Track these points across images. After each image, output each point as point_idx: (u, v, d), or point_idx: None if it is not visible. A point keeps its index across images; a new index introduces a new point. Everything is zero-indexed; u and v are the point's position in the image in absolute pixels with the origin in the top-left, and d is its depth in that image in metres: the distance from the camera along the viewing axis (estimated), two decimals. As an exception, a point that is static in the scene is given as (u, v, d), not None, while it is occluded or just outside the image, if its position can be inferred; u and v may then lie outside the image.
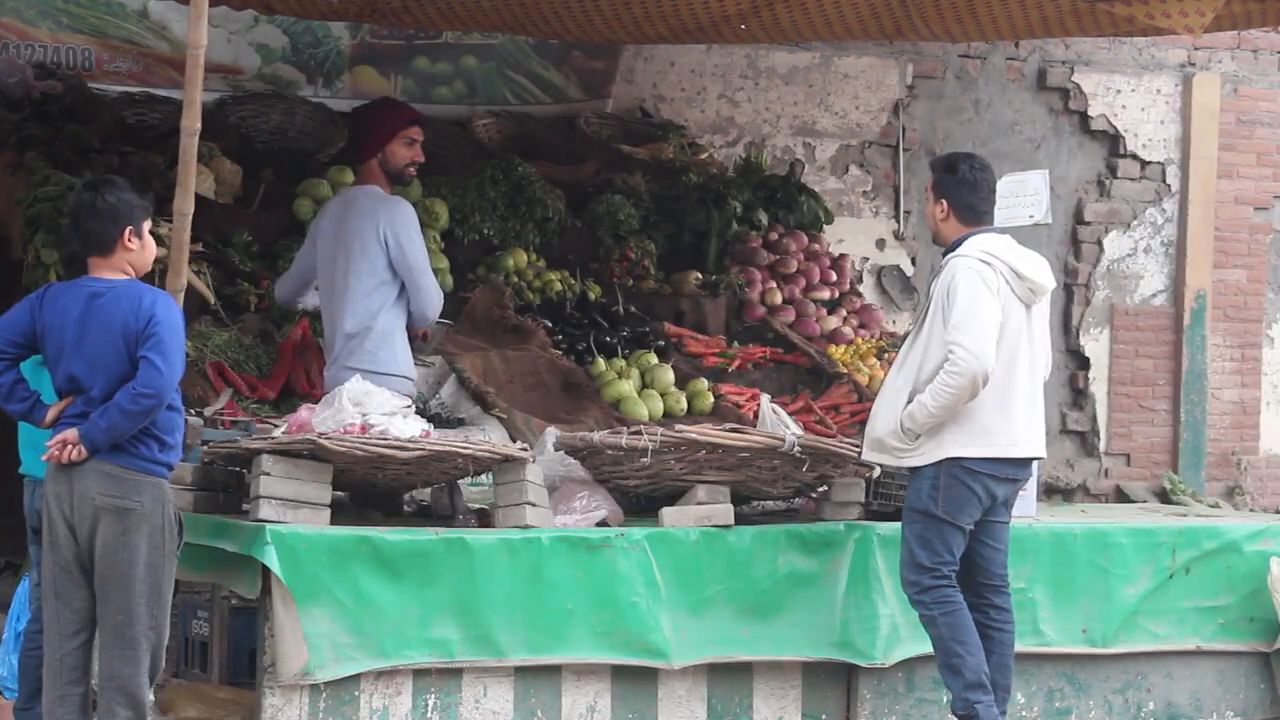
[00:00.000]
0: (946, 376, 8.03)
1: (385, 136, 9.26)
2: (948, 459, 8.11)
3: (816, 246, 12.22)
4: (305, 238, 9.63)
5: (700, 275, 11.83)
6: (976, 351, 7.99)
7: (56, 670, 7.16)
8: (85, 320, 7.09)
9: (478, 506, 8.57)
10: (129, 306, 7.08)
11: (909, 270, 13.12)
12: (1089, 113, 13.59)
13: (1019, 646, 8.55)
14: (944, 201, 8.32)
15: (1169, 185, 13.81)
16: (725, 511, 8.53)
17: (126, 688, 7.05)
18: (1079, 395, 13.67)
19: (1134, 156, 13.72)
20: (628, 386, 10.74)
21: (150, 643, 7.09)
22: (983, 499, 8.18)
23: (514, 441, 9.08)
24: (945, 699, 8.80)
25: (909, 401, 8.14)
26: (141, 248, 7.21)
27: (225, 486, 8.37)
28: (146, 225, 7.24)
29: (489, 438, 9.24)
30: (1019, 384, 8.22)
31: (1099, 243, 13.69)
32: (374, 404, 8.07)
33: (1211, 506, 12.76)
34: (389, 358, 8.99)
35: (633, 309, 11.40)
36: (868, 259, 13.06)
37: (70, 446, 7.03)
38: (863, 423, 11.05)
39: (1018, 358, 8.21)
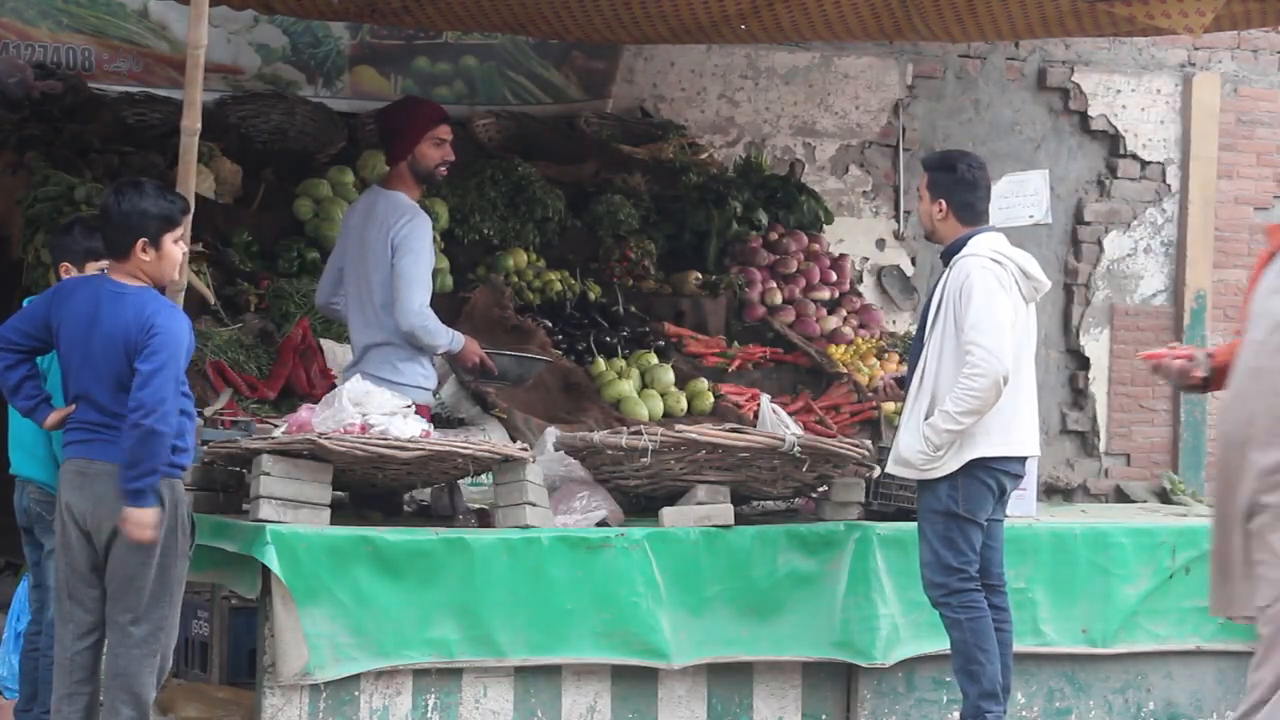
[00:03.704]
0: (968, 380, 7.94)
1: (413, 138, 8.92)
2: (969, 460, 8.05)
3: (816, 246, 12.21)
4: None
5: (700, 275, 11.82)
6: (996, 351, 7.92)
7: (67, 669, 7.12)
8: (94, 321, 7.00)
9: (478, 506, 8.56)
10: (134, 315, 6.95)
11: (909, 270, 13.12)
12: (1089, 113, 13.58)
13: (1019, 646, 8.54)
14: (942, 201, 8.25)
15: (1169, 185, 13.81)
16: (725, 511, 8.52)
17: (131, 686, 7.02)
18: (1079, 395, 13.66)
19: (1134, 156, 13.71)
20: (628, 386, 10.74)
21: (159, 643, 7.07)
22: (995, 495, 8.17)
23: (514, 441, 9.07)
24: (945, 699, 8.80)
25: (930, 413, 8.07)
26: (158, 258, 7.04)
27: (225, 486, 8.36)
28: (168, 236, 7.05)
29: (489, 438, 9.24)
30: (1024, 381, 8.20)
31: (1099, 243, 13.68)
32: (374, 404, 8.06)
33: (1211, 506, 12.73)
34: (411, 369, 8.88)
35: (633, 309, 11.39)
36: (868, 259, 13.05)
37: (145, 530, 6.88)
38: (863, 423, 11.13)
39: (1022, 356, 8.19)
